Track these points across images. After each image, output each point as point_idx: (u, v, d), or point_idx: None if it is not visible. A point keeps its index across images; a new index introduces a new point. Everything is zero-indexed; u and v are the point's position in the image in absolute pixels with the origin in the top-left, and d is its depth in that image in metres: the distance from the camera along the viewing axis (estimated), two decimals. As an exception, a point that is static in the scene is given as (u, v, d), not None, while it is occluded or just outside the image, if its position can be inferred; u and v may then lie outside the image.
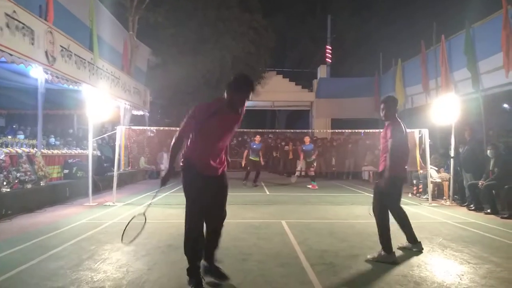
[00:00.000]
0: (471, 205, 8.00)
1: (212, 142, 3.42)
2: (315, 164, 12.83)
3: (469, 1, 15.44)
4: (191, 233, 3.41)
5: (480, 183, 7.73)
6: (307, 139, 12.70)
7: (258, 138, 12.63)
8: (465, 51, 11.24)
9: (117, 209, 7.69)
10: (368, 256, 4.41)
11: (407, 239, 4.80)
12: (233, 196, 7.28)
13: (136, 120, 15.51)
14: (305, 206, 8.53)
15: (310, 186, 12.33)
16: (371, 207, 4.66)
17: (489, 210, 7.44)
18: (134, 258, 4.34)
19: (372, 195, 4.76)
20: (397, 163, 4.42)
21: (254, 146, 12.42)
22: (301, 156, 12.99)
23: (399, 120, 4.63)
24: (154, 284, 3.54)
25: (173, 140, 3.45)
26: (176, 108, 19.07)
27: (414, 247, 4.74)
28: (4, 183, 6.77)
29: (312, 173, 12.63)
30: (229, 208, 3.68)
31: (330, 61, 25.68)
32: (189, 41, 17.98)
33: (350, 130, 15.10)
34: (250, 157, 12.44)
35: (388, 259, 4.29)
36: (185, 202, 3.47)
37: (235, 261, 4.19)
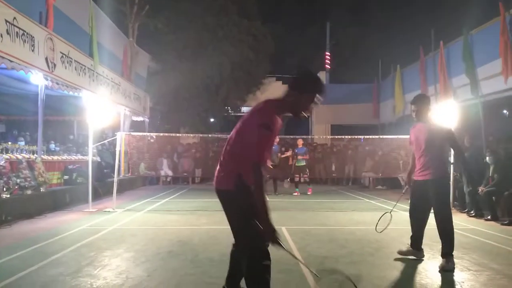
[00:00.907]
0: (471, 212, 7.99)
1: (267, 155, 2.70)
2: (307, 170, 12.63)
3: (467, 7, 15.54)
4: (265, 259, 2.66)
5: (480, 190, 7.72)
6: (300, 142, 12.56)
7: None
8: (464, 58, 11.30)
9: (117, 215, 7.68)
10: (449, 272, 4.17)
11: (415, 244, 4.64)
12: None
13: (136, 126, 15.55)
14: (305, 212, 8.52)
15: (309, 192, 12.29)
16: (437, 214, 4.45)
17: (489, 217, 7.43)
18: (133, 264, 4.32)
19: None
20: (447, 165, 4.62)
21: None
22: (293, 159, 12.73)
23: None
24: (154, 291, 3.53)
25: (257, 177, 2.57)
26: (175, 114, 19.13)
27: (416, 254, 4.64)
28: (4, 189, 6.77)
29: (307, 178, 12.57)
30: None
31: (329, 67, 25.79)
32: (189, 47, 18.09)
33: (349, 136, 15.12)
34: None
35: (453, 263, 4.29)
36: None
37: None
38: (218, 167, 2.84)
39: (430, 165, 4.37)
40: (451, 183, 8.82)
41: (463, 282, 3.85)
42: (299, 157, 12.20)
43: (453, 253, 4.30)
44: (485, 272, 4.15)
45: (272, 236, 2.57)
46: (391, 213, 5.13)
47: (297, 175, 12.54)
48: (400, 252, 4.72)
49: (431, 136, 4.37)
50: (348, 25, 27.53)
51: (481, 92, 10.90)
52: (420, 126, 4.53)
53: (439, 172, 4.36)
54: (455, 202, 8.83)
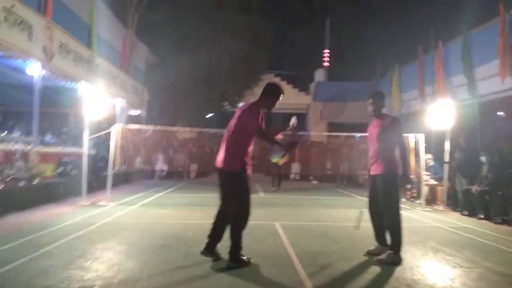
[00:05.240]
0: (465, 211, 8.02)
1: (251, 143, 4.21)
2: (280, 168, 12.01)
3: (467, 7, 15.51)
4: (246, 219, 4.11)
5: (474, 189, 7.76)
6: (279, 136, 11.74)
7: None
8: (462, 57, 11.30)
9: (111, 209, 7.65)
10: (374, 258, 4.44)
11: (379, 240, 4.66)
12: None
13: (133, 120, 15.46)
14: (299, 209, 8.53)
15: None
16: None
17: (482, 216, 7.46)
18: (126, 257, 4.31)
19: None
20: (398, 161, 4.48)
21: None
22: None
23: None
24: (146, 283, 3.52)
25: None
26: (173, 108, 19.06)
27: (384, 250, 4.54)
28: (-3, 180, 6.74)
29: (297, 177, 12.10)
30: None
31: (327, 64, 25.78)
32: (188, 40, 17.99)
33: (345, 134, 15.11)
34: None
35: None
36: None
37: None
38: (221, 153, 4.11)
39: (380, 160, 4.51)
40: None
41: (454, 279, 3.86)
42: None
43: (399, 251, 4.34)
44: (476, 269, 4.18)
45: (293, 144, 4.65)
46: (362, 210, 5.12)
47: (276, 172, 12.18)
48: (369, 252, 4.65)
49: (382, 130, 4.53)
50: (347, 22, 27.49)
51: (478, 93, 10.90)
52: (374, 122, 4.70)
53: (387, 167, 4.44)
54: (449, 201, 8.88)
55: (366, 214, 4.88)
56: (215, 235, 4.20)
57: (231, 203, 4.09)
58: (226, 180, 4.12)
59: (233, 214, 4.08)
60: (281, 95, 4.32)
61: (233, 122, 4.11)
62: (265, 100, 4.26)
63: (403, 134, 4.61)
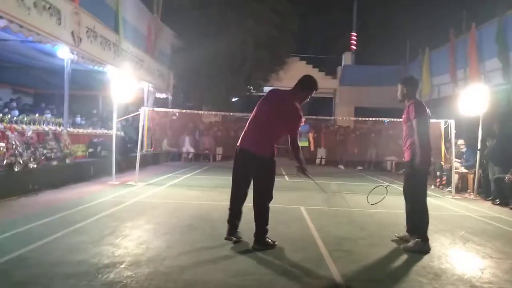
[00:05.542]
0: (496, 200, 7.78)
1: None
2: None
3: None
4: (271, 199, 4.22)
5: (506, 177, 7.50)
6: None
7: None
8: (497, 40, 10.82)
9: (139, 189, 7.84)
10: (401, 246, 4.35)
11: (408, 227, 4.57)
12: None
13: (159, 103, 15.66)
14: (324, 193, 8.46)
15: None
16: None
17: (515, 205, 7.23)
18: (154, 236, 4.42)
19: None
20: (426, 147, 4.25)
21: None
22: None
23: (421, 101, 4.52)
24: (174, 261, 3.59)
25: (297, 144, 4.23)
26: (198, 92, 19.16)
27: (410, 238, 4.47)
28: (32, 159, 6.97)
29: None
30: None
31: (355, 48, 25.18)
32: (213, 24, 17.93)
33: (373, 119, 14.81)
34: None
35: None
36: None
37: (251, 245, 4.19)
38: (253, 137, 4.09)
39: (407, 146, 4.42)
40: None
41: (484, 269, 3.76)
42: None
43: (427, 239, 4.24)
44: (508, 260, 4.05)
45: (305, 170, 4.33)
46: (387, 187, 4.97)
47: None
48: (398, 237, 4.63)
49: (406, 114, 4.44)
50: (376, 4, 26.60)
51: (514, 77, 10.45)
52: (406, 107, 4.54)
53: (413, 154, 4.31)
54: (480, 189, 8.63)
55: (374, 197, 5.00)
56: (233, 220, 4.21)
57: (260, 187, 4.09)
58: (256, 164, 4.05)
59: (259, 198, 4.09)
60: (316, 89, 4.33)
61: (280, 112, 4.07)
62: (300, 92, 4.23)
63: (424, 120, 4.28)
